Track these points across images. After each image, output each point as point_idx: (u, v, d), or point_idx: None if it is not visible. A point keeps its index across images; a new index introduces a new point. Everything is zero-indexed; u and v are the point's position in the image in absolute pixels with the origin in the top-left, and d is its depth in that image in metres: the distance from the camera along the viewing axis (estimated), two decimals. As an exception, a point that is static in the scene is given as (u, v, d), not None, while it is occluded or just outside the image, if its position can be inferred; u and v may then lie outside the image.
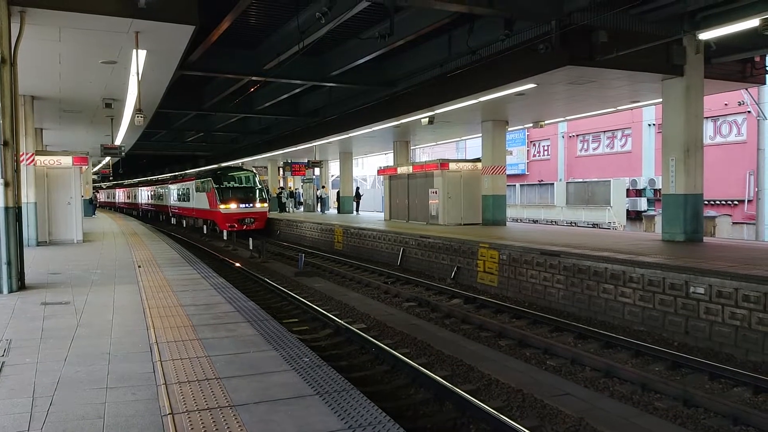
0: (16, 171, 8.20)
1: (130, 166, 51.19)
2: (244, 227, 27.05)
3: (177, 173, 46.76)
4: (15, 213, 8.19)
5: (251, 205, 27.61)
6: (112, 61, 10.78)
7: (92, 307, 7.16)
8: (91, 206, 33.51)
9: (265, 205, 28.62)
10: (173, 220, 37.68)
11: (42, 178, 15.15)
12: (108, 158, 33.96)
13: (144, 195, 47.23)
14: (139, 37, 9.01)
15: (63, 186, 15.68)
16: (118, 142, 21.71)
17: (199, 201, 29.85)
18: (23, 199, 10.31)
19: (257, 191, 28.37)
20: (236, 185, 27.99)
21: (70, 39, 9.39)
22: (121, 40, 9.35)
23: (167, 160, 51.31)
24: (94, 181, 44.67)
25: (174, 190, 36.28)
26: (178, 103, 22.83)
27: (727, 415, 5.90)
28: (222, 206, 26.82)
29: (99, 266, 10.98)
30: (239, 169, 31.11)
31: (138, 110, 11.28)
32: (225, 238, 26.85)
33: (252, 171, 30.84)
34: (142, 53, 9.83)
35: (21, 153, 9.71)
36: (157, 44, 9.54)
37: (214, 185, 27.51)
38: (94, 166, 38.62)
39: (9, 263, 8.11)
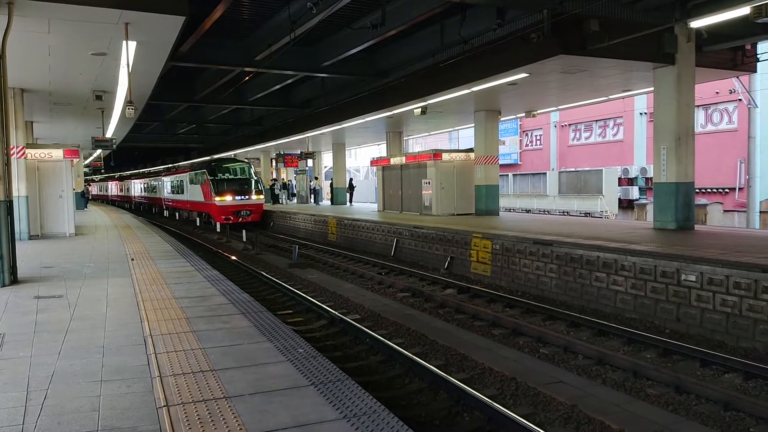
0: (7, 164, 8.16)
1: (121, 158, 50.98)
2: (240, 220, 26.65)
3: (171, 165, 46.36)
4: (6, 207, 8.16)
5: (247, 197, 27.19)
6: (101, 53, 10.69)
7: (86, 301, 7.15)
8: (83, 199, 33.31)
9: (261, 196, 28.20)
10: (165, 213, 37.46)
11: (33, 171, 15.04)
12: (99, 151, 33.83)
13: (137, 188, 46.94)
14: (128, 28, 8.93)
15: (54, 179, 15.58)
16: (109, 134, 21.59)
17: (194, 193, 29.48)
18: (14, 193, 10.24)
19: (253, 183, 27.93)
20: (231, 177, 27.58)
21: (59, 31, 9.30)
22: (110, 32, 9.26)
23: (159, 152, 51.08)
24: (85, 174, 44.40)
25: (168, 182, 35.89)
26: (170, 95, 22.73)
27: (718, 401, 5.97)
28: (217, 198, 26.43)
29: (92, 259, 10.95)
30: (234, 160, 30.62)
31: (129, 102, 11.20)
32: (218, 230, 26.72)
33: (247, 162, 30.37)
34: (132, 44, 9.74)
35: (11, 146, 9.64)
36: (146, 35, 9.46)
37: (209, 177, 27.06)
38: (86, 158, 38.38)
39: (1, 257, 8.08)
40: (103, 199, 62.80)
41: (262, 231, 25.47)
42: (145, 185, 43.53)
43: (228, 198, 26.56)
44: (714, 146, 26.78)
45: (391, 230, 17.37)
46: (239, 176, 27.88)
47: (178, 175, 33.63)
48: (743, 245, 10.08)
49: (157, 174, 41.34)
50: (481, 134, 19.77)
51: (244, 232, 22.85)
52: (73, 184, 16.89)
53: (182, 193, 32.15)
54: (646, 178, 28.48)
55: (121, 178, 58.85)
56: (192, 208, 30.88)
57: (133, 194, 48.59)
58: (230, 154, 36.30)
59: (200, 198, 28.32)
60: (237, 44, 16.63)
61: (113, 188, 60.19)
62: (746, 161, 24.93)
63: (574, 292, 10.71)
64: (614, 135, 33.83)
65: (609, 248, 10.14)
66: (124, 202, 52.32)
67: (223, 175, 27.48)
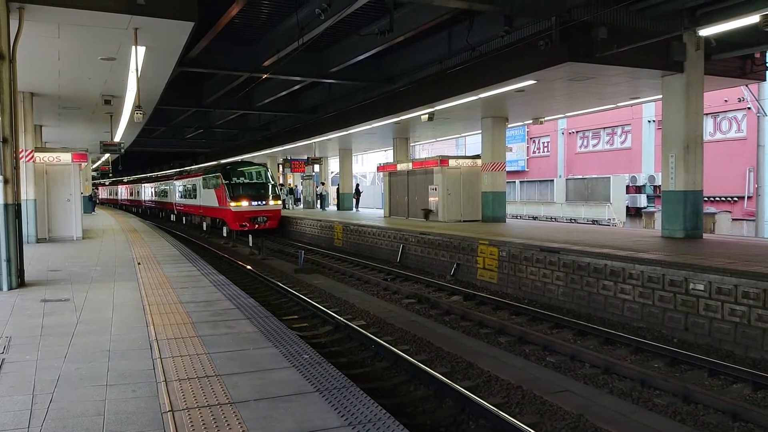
0: (16, 168, 8.19)
1: (129, 163, 51.25)
2: (257, 226, 24.82)
3: (182, 169, 45.65)
4: (14, 210, 8.19)
5: (264, 202, 25.60)
6: (111, 58, 10.77)
7: (92, 304, 7.16)
8: (91, 203, 33.43)
9: (279, 202, 26.61)
10: (173, 217, 37.12)
11: (41, 175, 15.13)
12: (107, 155, 33.99)
13: (147, 192, 46.24)
14: (138, 33, 9.00)
15: (62, 183, 15.65)
16: (117, 138, 21.74)
17: (208, 198, 27.89)
18: (23, 196, 10.31)
19: (270, 187, 26.44)
20: (248, 181, 26.11)
21: (69, 35, 9.38)
22: (120, 37, 9.33)
23: (167, 156, 51.23)
24: (93, 178, 44.56)
25: (179, 186, 34.46)
26: (178, 100, 22.81)
27: (726, 412, 5.91)
28: (233, 204, 24.87)
29: (99, 263, 10.98)
30: (251, 163, 28.92)
31: (137, 107, 11.28)
32: (224, 235, 26.50)
33: (264, 166, 28.74)
34: (141, 50, 9.81)
35: (20, 150, 9.71)
36: (156, 40, 9.53)
37: (224, 181, 25.57)
38: (94, 162, 38.60)
39: (8, 260, 8.10)
40: (113, 203, 62.78)
41: (268, 236, 25.31)
42: (156, 189, 42.68)
43: (244, 203, 24.95)
44: (722, 154, 26.63)
45: (398, 236, 17.35)
46: (256, 180, 26.36)
47: (190, 179, 32.02)
48: (752, 254, 10.01)
49: (168, 178, 40.16)
50: (488, 141, 19.75)
51: (250, 237, 22.81)
52: (81, 187, 16.96)
53: (195, 197, 30.61)
54: (654, 186, 28.34)
55: (130, 182, 58.70)
56: (205, 214, 29.31)
57: (143, 198, 48.02)
58: (237, 159, 36.12)
59: (214, 203, 26.87)
60: (245, 50, 16.70)
61: (122, 192, 60.16)
62: (755, 170, 24.76)
63: (581, 300, 10.65)
64: (622, 142, 33.71)
65: (617, 256, 10.09)
66: (132, 206, 52.21)
67: (239, 179, 25.98)
